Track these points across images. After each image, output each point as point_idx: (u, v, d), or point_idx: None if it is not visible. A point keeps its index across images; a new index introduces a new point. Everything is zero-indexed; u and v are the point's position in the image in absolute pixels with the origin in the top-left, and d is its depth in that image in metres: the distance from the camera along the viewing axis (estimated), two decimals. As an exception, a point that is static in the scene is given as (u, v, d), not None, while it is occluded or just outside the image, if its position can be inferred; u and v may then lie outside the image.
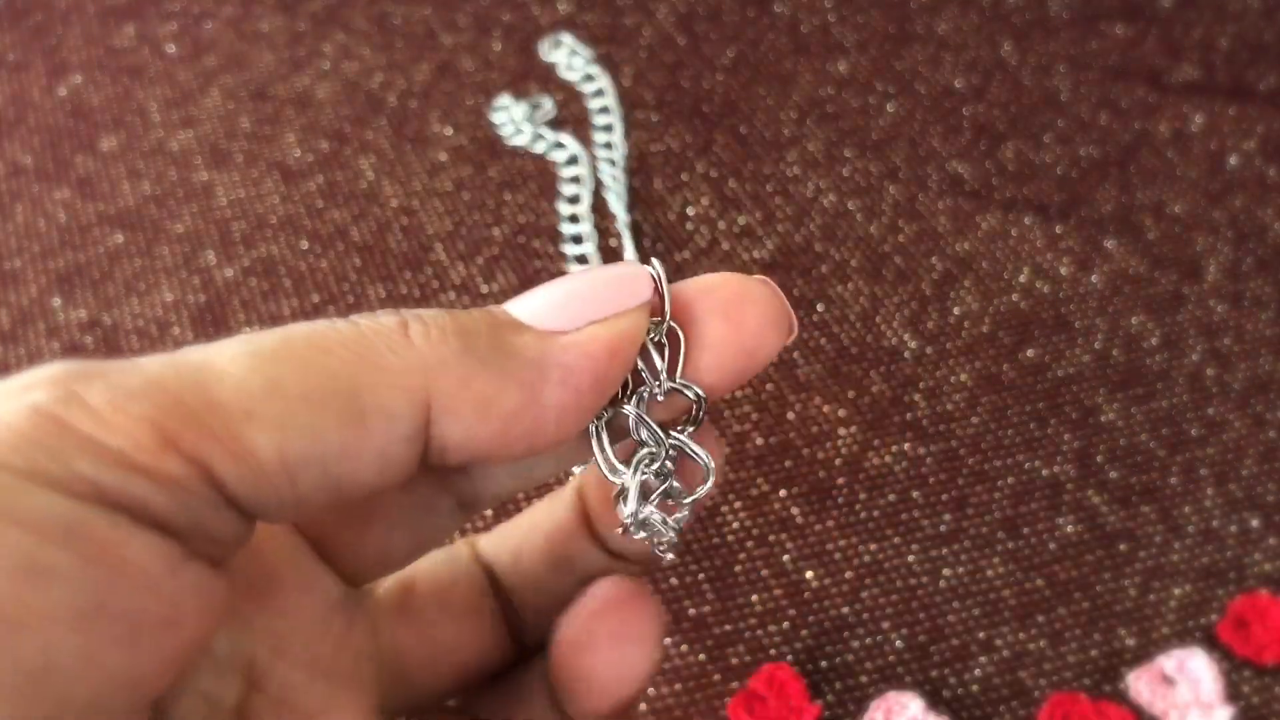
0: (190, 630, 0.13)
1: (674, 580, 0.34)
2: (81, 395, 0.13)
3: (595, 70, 0.49)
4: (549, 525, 0.20)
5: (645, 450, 0.17)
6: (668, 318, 0.16)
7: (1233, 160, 0.46)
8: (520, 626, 0.20)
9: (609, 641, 0.18)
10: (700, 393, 0.17)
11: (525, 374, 0.15)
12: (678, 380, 0.17)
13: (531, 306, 0.16)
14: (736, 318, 0.16)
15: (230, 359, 0.13)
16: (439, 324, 0.15)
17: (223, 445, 0.13)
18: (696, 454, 0.17)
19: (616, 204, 0.44)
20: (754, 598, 0.34)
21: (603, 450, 0.17)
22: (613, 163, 0.45)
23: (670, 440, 0.17)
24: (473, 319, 0.15)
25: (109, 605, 0.12)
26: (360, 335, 0.14)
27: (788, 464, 0.37)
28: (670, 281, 0.17)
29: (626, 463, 0.17)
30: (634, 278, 0.16)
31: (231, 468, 0.13)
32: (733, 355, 0.17)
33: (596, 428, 0.17)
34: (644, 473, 0.17)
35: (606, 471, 0.17)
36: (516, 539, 0.20)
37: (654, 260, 0.17)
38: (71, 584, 0.12)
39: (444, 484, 0.18)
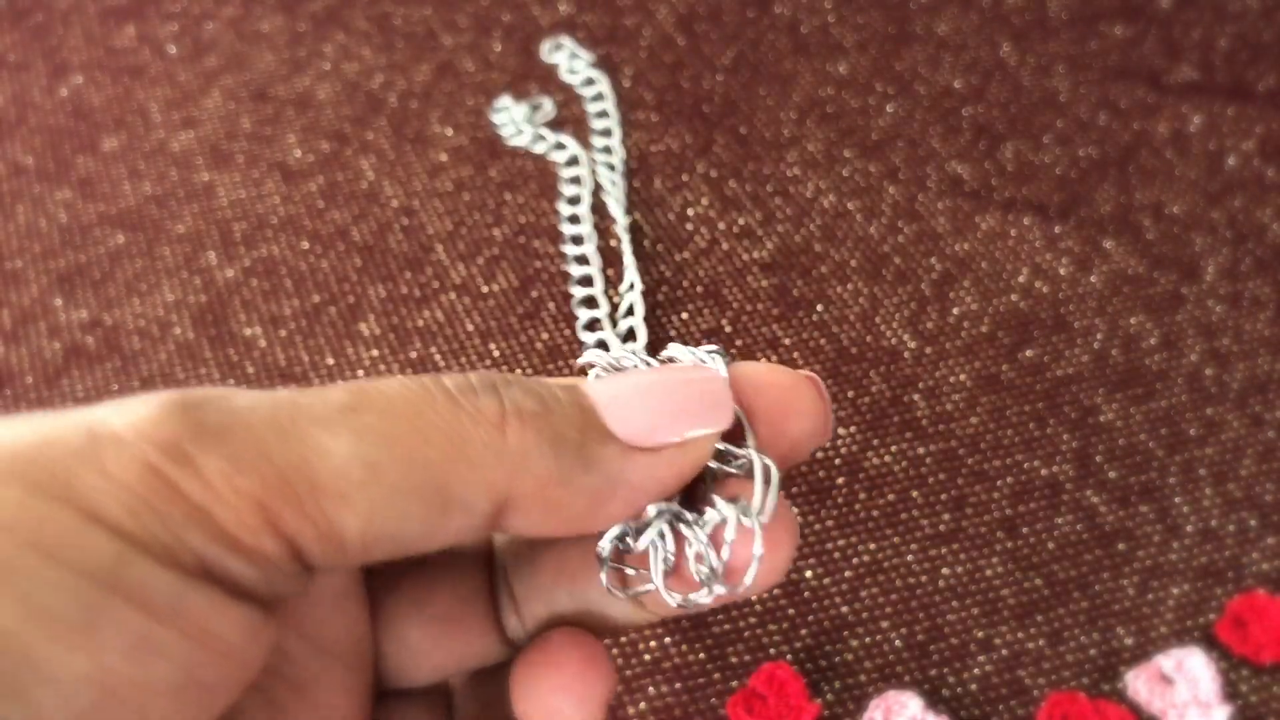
0: (253, 673, 0.14)
1: (674, 580, 0.34)
2: (195, 460, 0.13)
3: (596, 74, 0.49)
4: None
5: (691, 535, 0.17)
6: (756, 453, 0.17)
7: (1231, 160, 0.46)
8: (514, 624, 0.20)
9: (552, 693, 0.18)
10: (771, 464, 0.17)
11: (598, 487, 0.16)
12: (752, 452, 0.17)
13: (618, 403, 0.16)
14: (780, 425, 0.17)
15: (334, 432, 0.14)
16: (535, 425, 0.15)
17: (315, 526, 0.13)
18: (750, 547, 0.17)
19: (615, 207, 0.44)
20: (753, 597, 0.34)
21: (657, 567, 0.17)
22: (612, 167, 0.46)
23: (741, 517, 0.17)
24: (566, 420, 0.15)
25: (199, 676, 0.13)
26: (460, 424, 0.14)
27: (787, 464, 0.37)
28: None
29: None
30: (717, 400, 0.16)
31: (318, 545, 0.14)
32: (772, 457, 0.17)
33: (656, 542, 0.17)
34: (667, 560, 0.17)
35: (660, 587, 0.17)
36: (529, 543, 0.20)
37: (717, 359, 0.17)
38: (172, 659, 0.13)
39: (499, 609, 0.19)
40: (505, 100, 0.48)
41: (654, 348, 0.40)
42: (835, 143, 0.47)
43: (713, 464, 0.17)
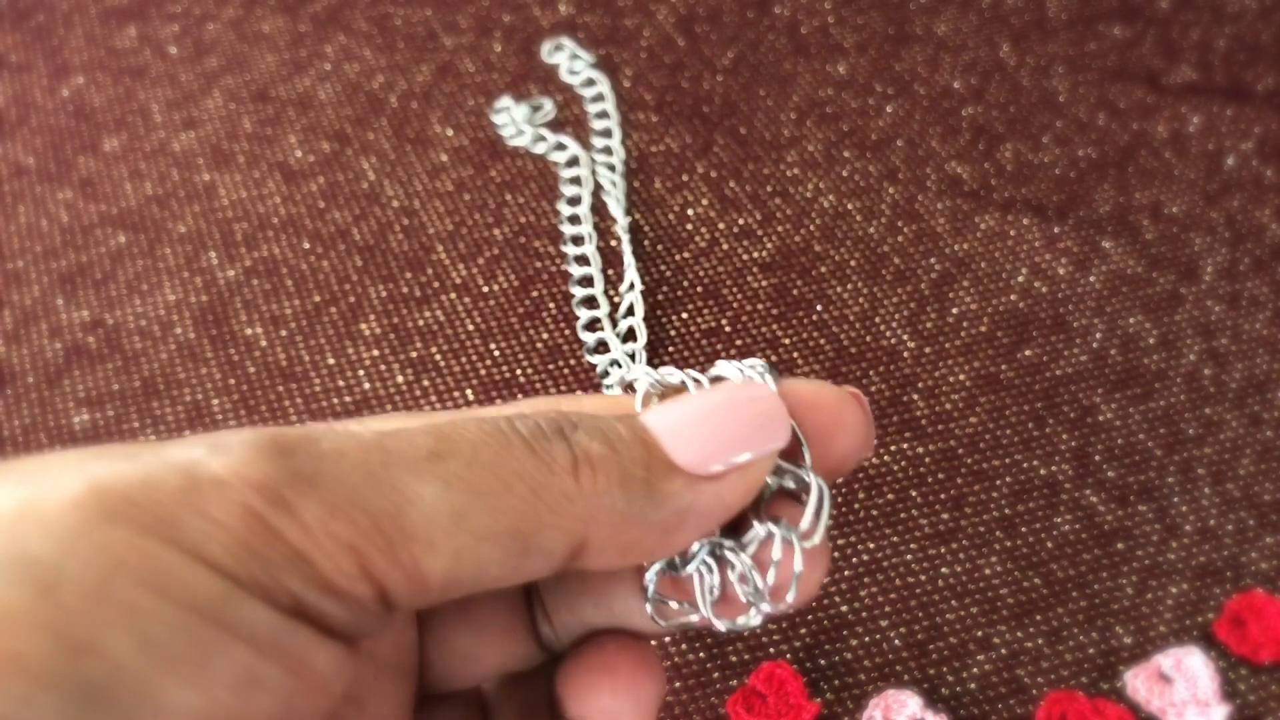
0: (337, 703, 0.15)
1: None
2: (293, 504, 0.13)
3: (596, 75, 0.49)
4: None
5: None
6: (810, 473, 0.17)
7: (1230, 161, 0.46)
8: (546, 630, 0.21)
9: (608, 697, 0.18)
10: (824, 486, 0.17)
11: (669, 521, 0.16)
12: (806, 471, 0.17)
13: (676, 430, 0.16)
14: (828, 443, 0.17)
15: (424, 480, 0.14)
16: (605, 468, 0.16)
17: (404, 572, 0.14)
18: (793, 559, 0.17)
19: (616, 207, 0.44)
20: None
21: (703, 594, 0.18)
22: (612, 167, 0.46)
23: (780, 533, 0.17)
24: (632, 460, 0.16)
25: (295, 708, 0.13)
26: (537, 471, 0.15)
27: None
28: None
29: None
30: (774, 416, 0.17)
31: (404, 588, 0.14)
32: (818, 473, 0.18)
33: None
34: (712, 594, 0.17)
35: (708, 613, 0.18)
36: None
37: (763, 371, 0.17)
38: (274, 694, 0.13)
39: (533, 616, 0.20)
40: (506, 101, 0.48)
41: (654, 347, 0.40)
42: (835, 143, 0.47)
43: (768, 479, 0.17)
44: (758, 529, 0.17)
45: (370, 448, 0.14)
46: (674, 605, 0.18)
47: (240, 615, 0.13)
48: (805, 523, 0.17)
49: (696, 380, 0.17)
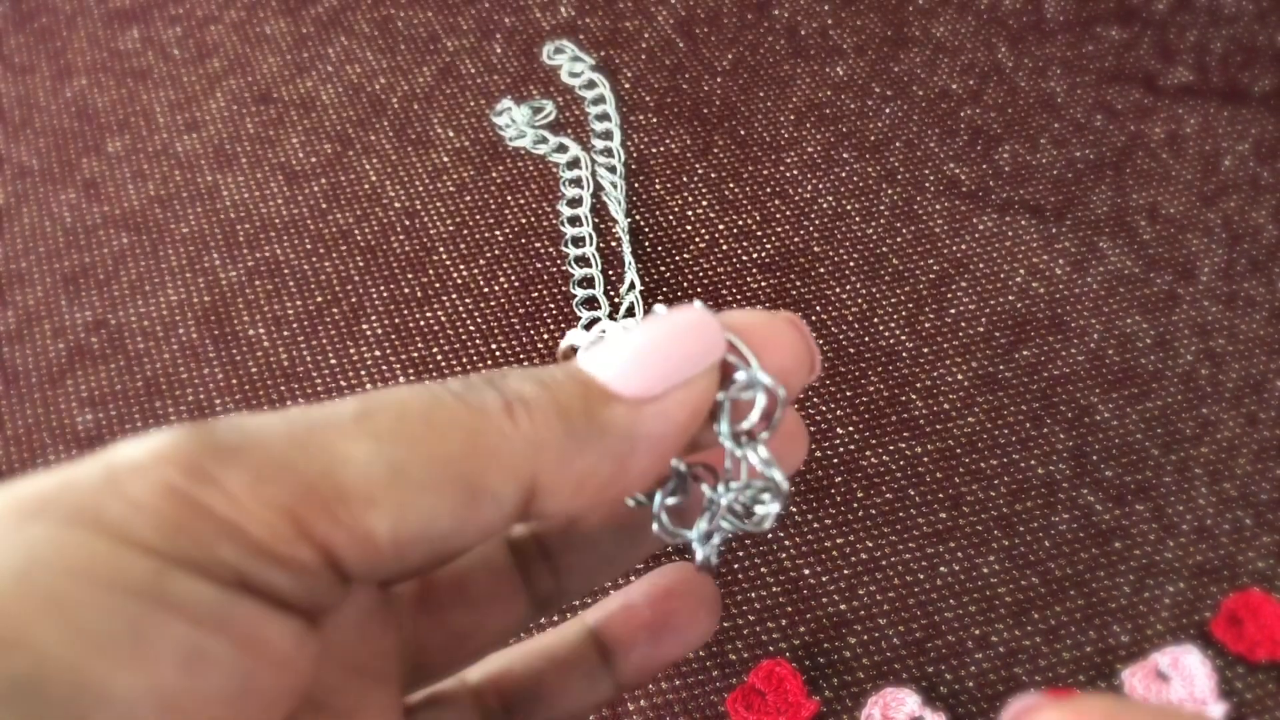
0: (302, 685, 0.14)
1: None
2: (216, 476, 0.13)
3: (596, 77, 0.49)
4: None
5: (713, 507, 0.18)
6: (757, 373, 0.17)
7: (1226, 162, 0.46)
8: (548, 585, 0.21)
9: (675, 622, 0.19)
10: (779, 390, 0.17)
11: (618, 448, 0.16)
12: (759, 375, 0.17)
13: (613, 366, 0.16)
14: (765, 358, 0.17)
15: (353, 438, 0.14)
16: (540, 405, 0.15)
17: (347, 531, 0.14)
18: (773, 479, 0.17)
19: (616, 208, 0.44)
20: (752, 594, 0.34)
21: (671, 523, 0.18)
22: (613, 169, 0.46)
23: (757, 458, 0.17)
24: (568, 394, 0.16)
25: (254, 686, 0.13)
26: (470, 416, 0.15)
27: (786, 462, 0.37)
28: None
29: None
30: (706, 331, 0.17)
31: (352, 551, 0.14)
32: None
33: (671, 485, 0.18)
34: (714, 527, 0.18)
35: (691, 536, 0.18)
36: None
37: (697, 303, 0.17)
38: (226, 670, 0.13)
39: (527, 579, 0.20)
40: (507, 102, 0.48)
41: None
42: (833, 144, 0.47)
43: (720, 395, 0.17)
44: (742, 376, 0.17)
45: (294, 417, 0.14)
46: (674, 528, 0.18)
47: (176, 591, 0.12)
48: (756, 415, 0.17)
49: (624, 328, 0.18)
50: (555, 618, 0.30)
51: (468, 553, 0.20)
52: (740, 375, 0.17)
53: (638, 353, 0.16)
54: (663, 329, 0.16)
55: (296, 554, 0.13)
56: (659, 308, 0.17)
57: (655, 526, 0.18)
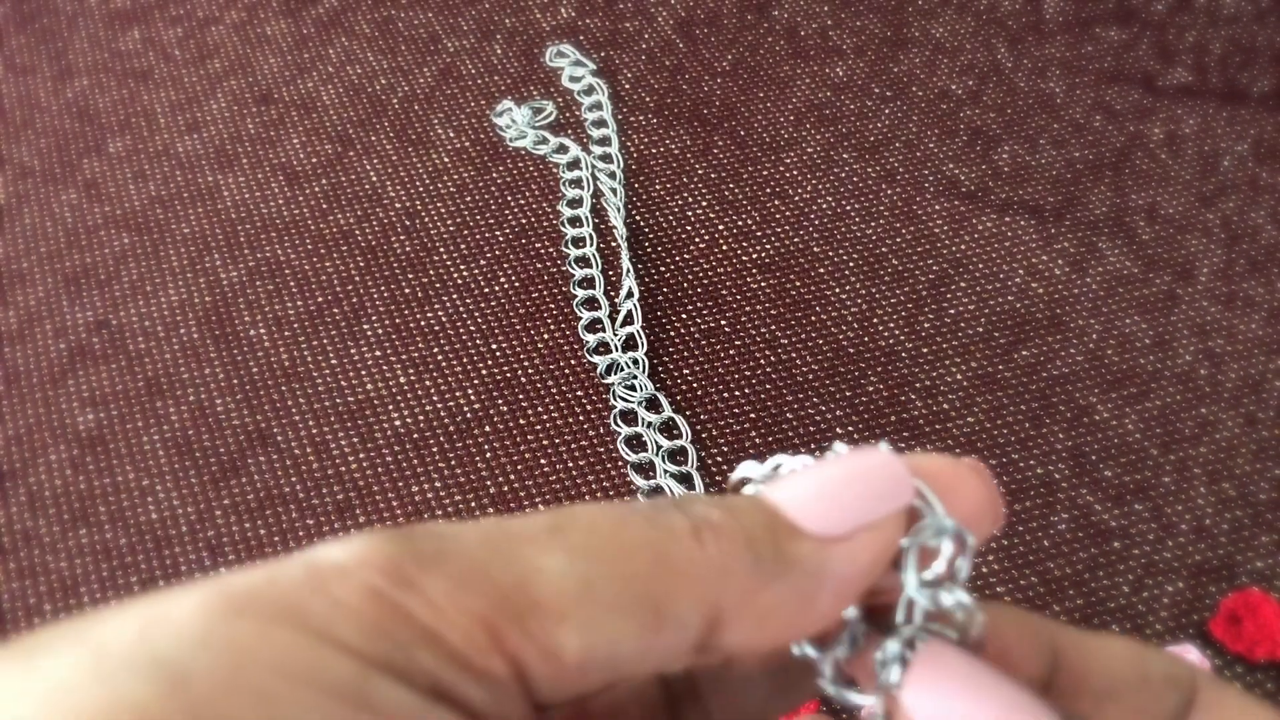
0: None
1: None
2: (418, 582, 0.13)
3: (596, 79, 0.49)
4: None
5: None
6: (946, 518, 0.16)
7: (1225, 163, 0.46)
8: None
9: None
10: (969, 537, 0.16)
11: (804, 586, 0.15)
12: (946, 522, 0.17)
13: (799, 501, 0.16)
14: (949, 504, 0.17)
15: (547, 551, 0.14)
16: (727, 532, 0.15)
17: (538, 646, 0.14)
18: (968, 608, 0.16)
19: (616, 209, 0.44)
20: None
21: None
22: (613, 170, 0.46)
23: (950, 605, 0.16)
24: (754, 523, 0.15)
25: None
26: (659, 537, 0.15)
27: (786, 462, 0.37)
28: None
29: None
30: (893, 474, 0.16)
31: (541, 667, 0.14)
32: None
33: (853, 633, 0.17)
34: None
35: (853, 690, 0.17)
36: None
37: (883, 445, 0.17)
38: None
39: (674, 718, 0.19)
40: (507, 103, 0.48)
41: (654, 350, 0.40)
42: (833, 145, 0.47)
43: (903, 542, 0.17)
44: (913, 593, 0.16)
45: (489, 527, 0.14)
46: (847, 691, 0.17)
47: (378, 695, 0.12)
48: (941, 564, 0.16)
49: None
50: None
51: (627, 683, 0.20)
52: (927, 521, 0.17)
53: (825, 490, 0.16)
54: (848, 469, 0.16)
55: (490, 665, 0.13)
56: (838, 445, 0.17)
57: (824, 680, 0.17)
